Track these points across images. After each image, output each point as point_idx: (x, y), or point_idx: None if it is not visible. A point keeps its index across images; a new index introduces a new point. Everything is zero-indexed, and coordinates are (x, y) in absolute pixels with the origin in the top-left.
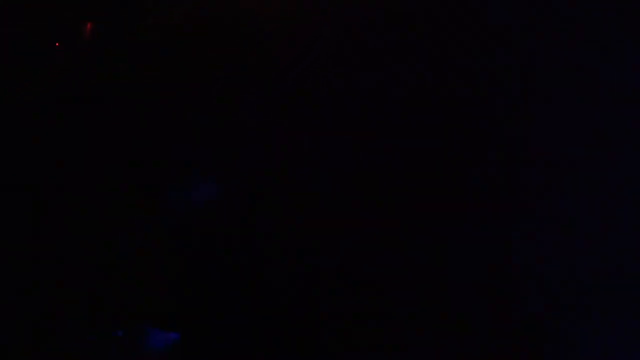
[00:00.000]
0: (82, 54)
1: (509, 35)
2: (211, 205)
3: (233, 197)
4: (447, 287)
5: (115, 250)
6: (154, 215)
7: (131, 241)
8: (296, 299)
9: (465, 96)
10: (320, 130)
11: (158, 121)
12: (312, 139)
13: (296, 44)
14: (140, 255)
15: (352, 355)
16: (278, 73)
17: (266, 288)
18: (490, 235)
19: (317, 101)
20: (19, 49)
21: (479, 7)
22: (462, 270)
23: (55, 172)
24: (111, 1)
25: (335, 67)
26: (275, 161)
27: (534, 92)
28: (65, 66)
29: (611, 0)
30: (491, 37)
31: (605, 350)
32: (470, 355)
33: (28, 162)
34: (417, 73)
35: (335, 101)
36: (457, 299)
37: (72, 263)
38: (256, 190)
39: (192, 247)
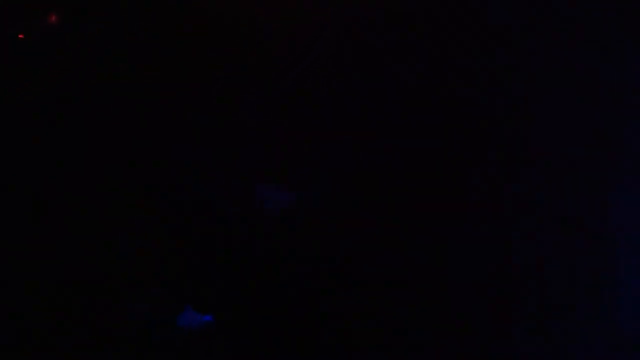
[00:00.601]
0: (82, 54)
1: (509, 35)
2: (211, 206)
3: (233, 197)
4: (447, 287)
5: (115, 250)
6: (154, 215)
7: (131, 241)
8: (296, 299)
9: (465, 96)
10: (320, 130)
11: (158, 121)
12: (312, 139)
13: (296, 44)
14: (140, 255)
15: (352, 355)
16: (278, 73)
17: (266, 288)
18: (490, 235)
19: (317, 101)
20: (19, 49)
21: (479, 7)
22: (462, 270)
23: (55, 172)
24: (111, 1)
25: (335, 67)
26: (275, 161)
27: (534, 92)
28: (65, 66)
29: (611, 0)
30: (491, 37)
31: (605, 350)
32: (470, 355)
33: (28, 162)
34: (417, 73)
35: (335, 101)
36: (457, 299)
37: (72, 263)
38: (256, 190)
39: (192, 247)
